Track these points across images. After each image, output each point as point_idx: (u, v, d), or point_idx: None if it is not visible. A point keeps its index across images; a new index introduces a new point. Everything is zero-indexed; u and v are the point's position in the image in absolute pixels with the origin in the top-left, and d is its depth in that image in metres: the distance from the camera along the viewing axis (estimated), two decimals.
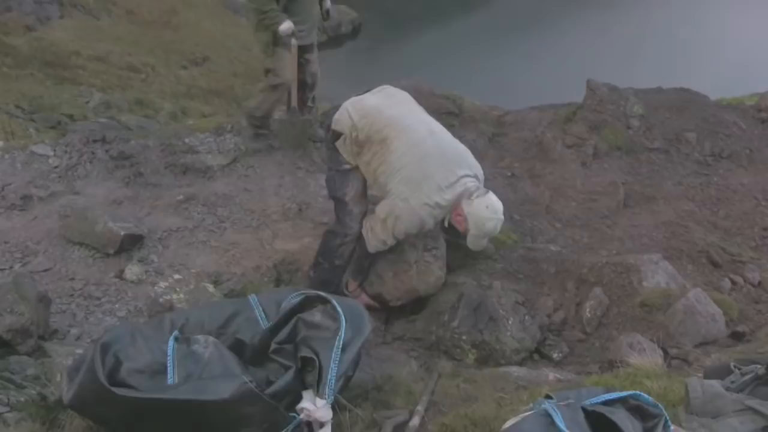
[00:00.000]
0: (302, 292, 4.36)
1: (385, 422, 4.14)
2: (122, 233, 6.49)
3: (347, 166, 6.12)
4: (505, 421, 3.26)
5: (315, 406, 3.84)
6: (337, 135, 6.03)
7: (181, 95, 17.65)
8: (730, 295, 6.60)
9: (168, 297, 5.82)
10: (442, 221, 6.18)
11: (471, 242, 6.09)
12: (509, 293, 6.18)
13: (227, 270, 6.56)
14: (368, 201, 6.36)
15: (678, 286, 6.28)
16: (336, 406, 3.94)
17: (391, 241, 6.07)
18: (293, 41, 7.64)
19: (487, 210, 5.89)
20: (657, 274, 6.35)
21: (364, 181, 6.21)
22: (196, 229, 7.02)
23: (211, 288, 6.16)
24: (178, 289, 5.93)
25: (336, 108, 6.36)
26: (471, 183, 5.99)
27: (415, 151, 5.86)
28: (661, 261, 6.55)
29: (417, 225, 5.98)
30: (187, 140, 8.38)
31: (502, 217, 6.05)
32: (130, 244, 6.57)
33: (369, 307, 5.69)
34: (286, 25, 7.48)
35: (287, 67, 7.83)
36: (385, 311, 6.46)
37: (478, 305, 5.88)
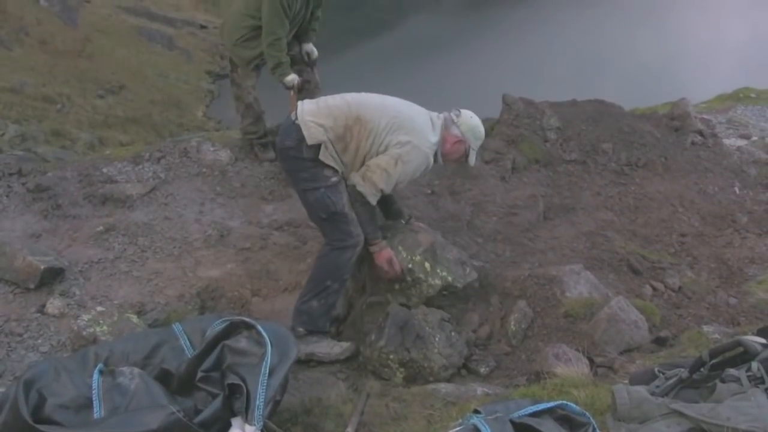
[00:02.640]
0: (226, 318, 4.34)
1: None
2: (42, 267, 6.39)
3: (335, 179, 6.04)
4: None
5: None
6: (317, 148, 5.95)
7: (98, 125, 17.50)
8: (652, 301, 6.71)
9: (91, 330, 5.73)
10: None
11: (473, 159, 6.40)
12: (434, 310, 6.18)
13: (150, 300, 6.49)
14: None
15: (600, 295, 6.35)
16: None
17: (387, 190, 6.11)
18: (295, 83, 8.18)
19: (473, 119, 6.34)
20: (579, 284, 6.42)
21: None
22: (118, 260, 6.94)
23: (134, 319, 6.07)
24: (101, 321, 5.84)
25: (285, 129, 6.18)
26: (441, 113, 6.33)
27: (387, 109, 6.09)
28: (583, 271, 6.62)
29: (423, 166, 6.14)
30: (105, 170, 8.28)
31: None
32: (51, 277, 6.48)
33: (393, 264, 6.28)
34: (291, 77, 8.12)
35: (251, 88, 8.61)
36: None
37: (405, 323, 5.87)
